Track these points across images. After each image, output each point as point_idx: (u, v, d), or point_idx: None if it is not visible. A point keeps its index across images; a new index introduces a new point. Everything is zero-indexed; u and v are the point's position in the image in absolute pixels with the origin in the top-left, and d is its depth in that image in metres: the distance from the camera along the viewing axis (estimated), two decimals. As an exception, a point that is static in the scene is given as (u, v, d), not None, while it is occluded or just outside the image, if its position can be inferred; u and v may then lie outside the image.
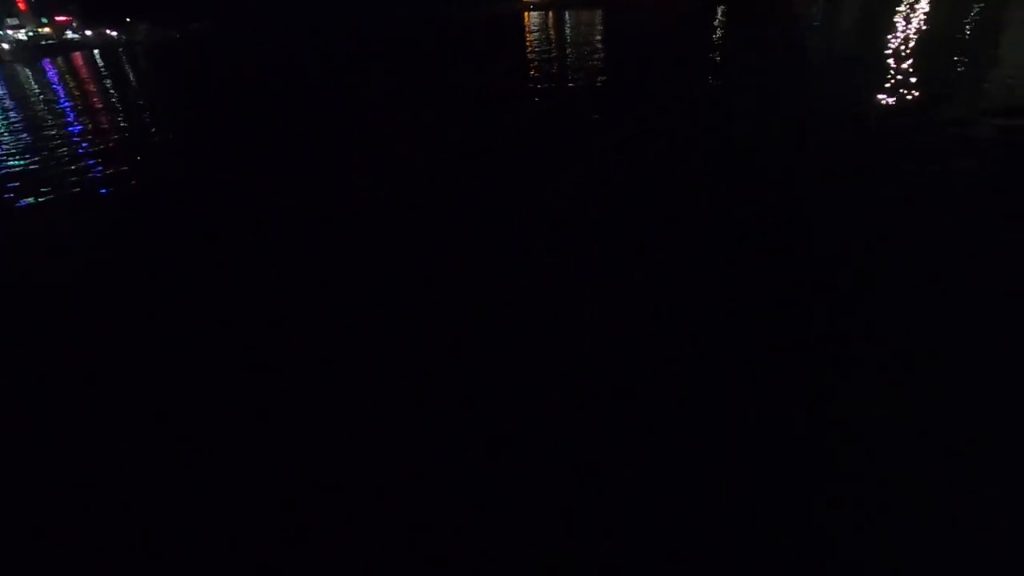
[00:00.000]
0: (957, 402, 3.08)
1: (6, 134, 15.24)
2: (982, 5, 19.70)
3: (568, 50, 20.71)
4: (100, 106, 19.61)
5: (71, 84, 28.55)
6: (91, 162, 11.41)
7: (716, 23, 26.55)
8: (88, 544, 3.04)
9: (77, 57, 54.63)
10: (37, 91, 26.55)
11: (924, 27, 16.72)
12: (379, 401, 3.73)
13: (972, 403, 3.06)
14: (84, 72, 35.43)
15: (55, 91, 25.95)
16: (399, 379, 3.90)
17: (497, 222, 6.21)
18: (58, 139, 13.88)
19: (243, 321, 4.93)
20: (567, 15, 46.92)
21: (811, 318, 3.94)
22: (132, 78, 30.07)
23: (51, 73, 36.53)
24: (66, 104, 20.69)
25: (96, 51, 63.31)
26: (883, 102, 8.14)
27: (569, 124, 9.61)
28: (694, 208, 5.91)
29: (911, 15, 19.86)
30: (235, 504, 3.18)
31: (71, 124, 16.13)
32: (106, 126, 15.43)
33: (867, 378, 3.35)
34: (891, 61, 11.31)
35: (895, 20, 18.86)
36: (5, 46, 60.30)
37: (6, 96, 25.53)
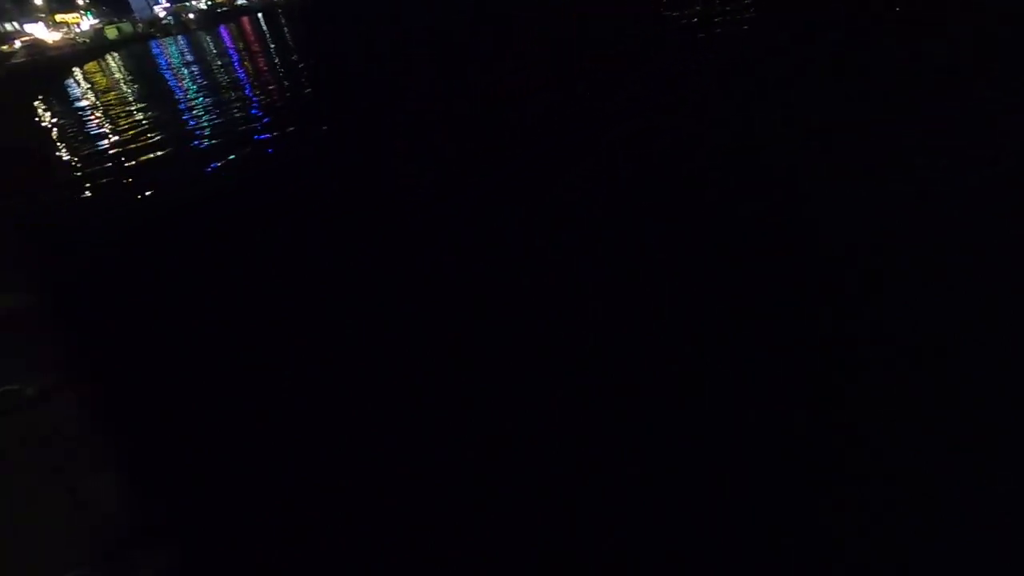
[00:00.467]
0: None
1: (197, 98, 17.20)
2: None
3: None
4: (264, 67, 22.16)
5: (241, 47, 32.12)
6: (267, 120, 12.66)
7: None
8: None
9: (245, 21, 60.35)
10: (216, 54, 29.99)
11: None
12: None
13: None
14: (251, 35, 39.94)
15: (230, 55, 28.94)
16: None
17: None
18: (236, 102, 15.41)
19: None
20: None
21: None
22: (288, 39, 32.99)
23: (226, 38, 40.90)
24: (239, 67, 23.19)
25: (260, 14, 69.27)
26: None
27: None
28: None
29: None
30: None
31: (243, 85, 18.11)
32: (271, 87, 17.02)
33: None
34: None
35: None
36: (192, 16, 68.90)
37: (194, 61, 28.77)
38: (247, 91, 16.87)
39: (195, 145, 11.84)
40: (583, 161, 7.47)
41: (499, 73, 12.45)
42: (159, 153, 11.85)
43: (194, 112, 15.18)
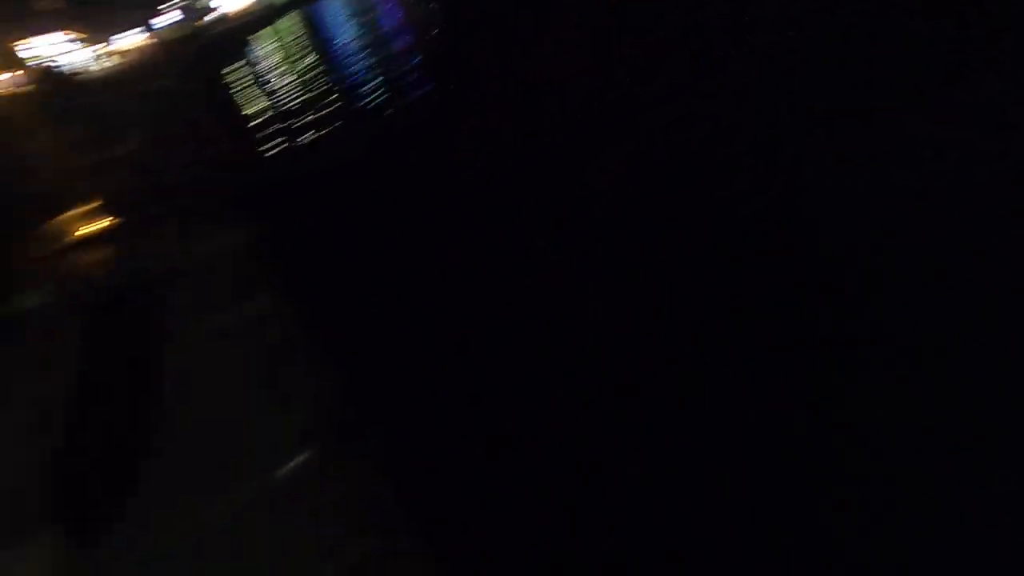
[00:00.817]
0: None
1: (353, 59, 17.61)
2: None
3: None
4: (414, 24, 21.30)
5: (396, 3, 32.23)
6: (409, 79, 12.94)
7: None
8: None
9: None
10: (370, 11, 29.27)
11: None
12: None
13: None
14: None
15: (384, 11, 28.30)
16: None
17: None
18: (388, 60, 15.81)
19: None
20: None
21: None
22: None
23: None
24: (391, 22, 22.69)
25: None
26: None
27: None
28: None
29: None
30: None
31: (395, 43, 17.92)
32: (418, 45, 16.97)
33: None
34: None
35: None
36: (331, -20, 68.87)
37: (351, 19, 28.78)
38: (396, 49, 16.97)
39: (353, 104, 12.51)
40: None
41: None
42: (322, 112, 12.49)
43: (351, 72, 15.75)
